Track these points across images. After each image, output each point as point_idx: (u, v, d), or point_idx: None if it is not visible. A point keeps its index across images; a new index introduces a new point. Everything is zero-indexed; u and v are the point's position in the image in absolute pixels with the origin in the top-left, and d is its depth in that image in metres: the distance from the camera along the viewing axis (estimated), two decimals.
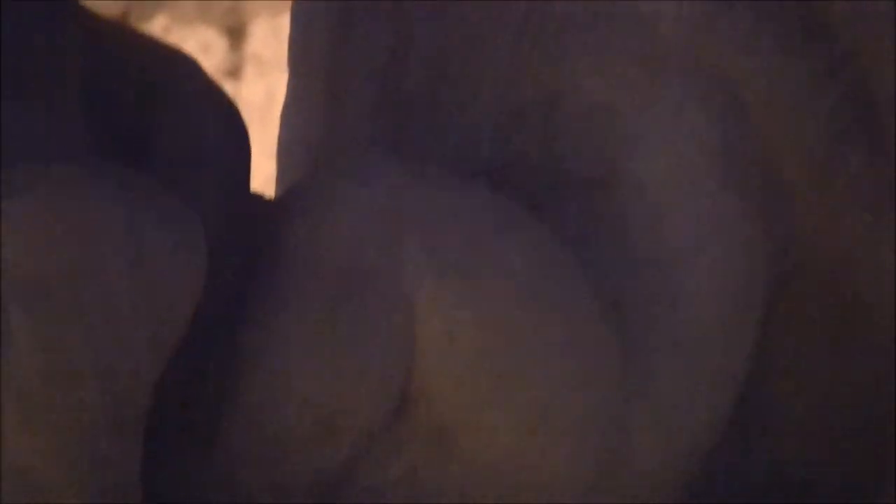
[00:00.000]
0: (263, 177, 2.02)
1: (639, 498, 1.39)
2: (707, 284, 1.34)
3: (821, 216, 1.33)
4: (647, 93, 1.29)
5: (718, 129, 1.26)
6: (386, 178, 1.27)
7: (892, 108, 1.19)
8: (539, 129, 1.46)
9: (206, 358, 1.51)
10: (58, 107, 1.62)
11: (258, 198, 1.75)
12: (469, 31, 1.48)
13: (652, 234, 1.34)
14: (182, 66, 1.88)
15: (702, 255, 1.32)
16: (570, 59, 1.33)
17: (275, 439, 1.27)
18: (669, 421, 1.31)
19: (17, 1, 1.50)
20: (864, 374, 1.47)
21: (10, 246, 1.19)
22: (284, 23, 2.11)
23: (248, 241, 1.55)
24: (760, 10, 1.29)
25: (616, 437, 1.25)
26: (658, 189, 1.31)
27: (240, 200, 1.73)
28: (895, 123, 1.17)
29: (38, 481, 1.20)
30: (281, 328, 1.27)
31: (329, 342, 1.26)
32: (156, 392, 1.45)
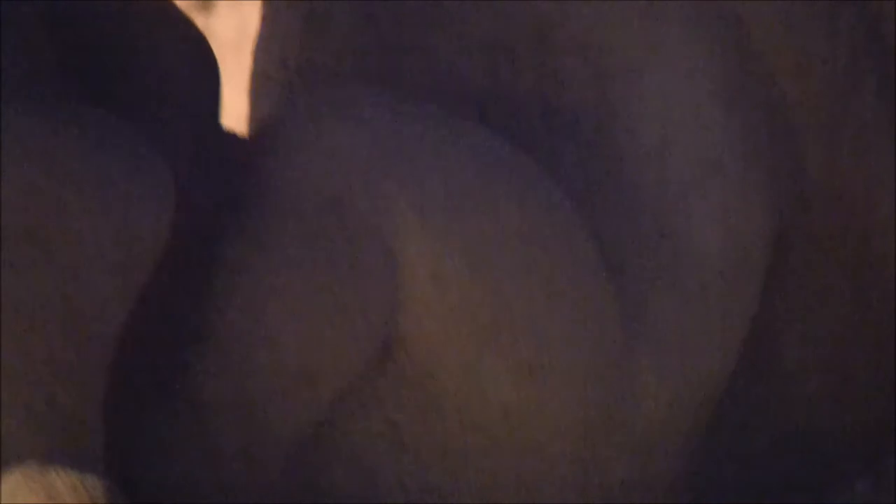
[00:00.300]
0: (236, 114, 1.96)
1: (646, 444, 1.33)
2: (710, 227, 1.25)
3: (829, 160, 1.29)
4: (645, 30, 1.18)
5: (721, 69, 1.21)
6: (370, 115, 1.20)
7: None
8: (529, 63, 1.38)
9: (176, 302, 1.42)
10: (28, 45, 1.50)
11: (231, 135, 1.65)
12: None
13: (651, 175, 1.23)
14: (151, 1, 1.77)
15: (704, 196, 1.23)
16: None
17: (249, 390, 1.18)
18: (674, 363, 1.22)
19: None
20: (874, 321, 1.42)
21: None
22: None
23: (220, 178, 1.46)
24: None
25: (618, 383, 1.14)
26: (657, 127, 1.19)
27: (211, 137, 1.62)
28: None
29: None
30: (256, 268, 1.15)
31: (308, 284, 1.14)
32: (121, 340, 1.36)
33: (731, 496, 1.84)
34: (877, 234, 1.55)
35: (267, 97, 1.80)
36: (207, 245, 1.62)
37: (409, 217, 1.26)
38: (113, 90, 1.72)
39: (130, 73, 1.76)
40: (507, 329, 1.22)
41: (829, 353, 1.75)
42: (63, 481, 1.61)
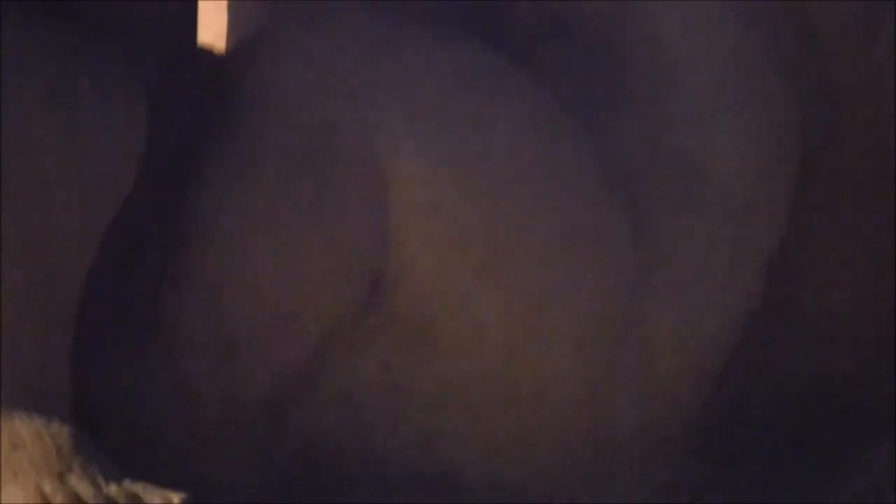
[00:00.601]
0: (213, 32, 1.83)
1: (656, 390, 1.23)
2: (733, 151, 1.15)
3: (859, 79, 1.17)
4: None
5: None
6: (357, 30, 1.04)
7: None
8: None
9: (149, 237, 1.32)
10: None
11: (208, 52, 1.50)
12: None
13: (669, 93, 1.15)
14: None
15: (727, 116, 1.13)
16: None
17: (228, 330, 1.09)
18: (689, 304, 1.14)
19: None
20: None
21: None
22: None
23: (198, 99, 1.33)
24: None
25: (627, 321, 1.04)
26: (675, 41, 1.07)
27: (188, 55, 1.48)
28: None
29: None
30: (236, 195, 1.09)
31: (291, 214, 1.04)
32: (88, 279, 1.25)
33: (745, 447, 1.75)
34: None
35: (245, 11, 1.67)
36: (183, 173, 1.50)
37: (403, 141, 1.16)
38: (87, 9, 1.60)
39: None
40: (508, 260, 1.12)
41: (853, 296, 1.65)
42: (27, 428, 1.50)
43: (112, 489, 1.47)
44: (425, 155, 1.15)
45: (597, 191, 1.19)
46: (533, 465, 1.34)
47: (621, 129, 1.24)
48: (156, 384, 1.28)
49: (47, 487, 1.39)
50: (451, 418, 1.42)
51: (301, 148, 1.18)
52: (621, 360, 1.15)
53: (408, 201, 1.22)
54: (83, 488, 1.41)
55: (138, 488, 1.47)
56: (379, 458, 1.30)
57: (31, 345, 1.41)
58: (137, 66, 1.63)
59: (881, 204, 1.60)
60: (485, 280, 1.18)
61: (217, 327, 1.22)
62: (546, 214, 1.12)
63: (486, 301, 1.19)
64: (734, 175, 1.29)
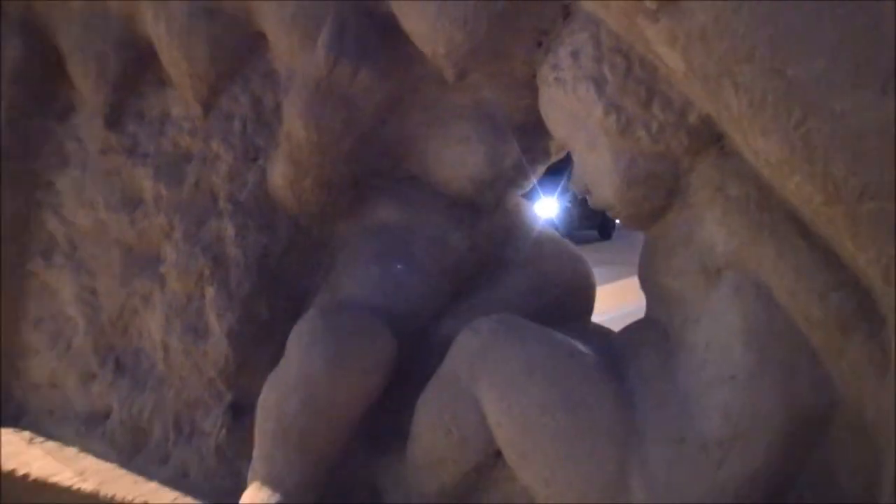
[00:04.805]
0: None
1: None
2: (717, 415, 1.50)
3: (842, 372, 1.48)
4: (703, 289, 1.59)
5: (744, 313, 1.51)
6: (480, 333, 1.75)
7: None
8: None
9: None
10: None
11: None
12: None
13: (690, 375, 1.56)
14: None
15: (715, 394, 1.51)
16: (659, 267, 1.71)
17: (414, 461, 1.85)
18: (664, 490, 1.51)
19: None
20: None
21: None
22: None
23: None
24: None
25: (614, 496, 1.54)
26: (702, 350, 1.55)
27: None
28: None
29: None
30: (420, 406, 1.85)
31: (441, 412, 1.79)
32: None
33: None
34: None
35: None
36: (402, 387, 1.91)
37: (488, 396, 1.68)
38: None
39: None
40: (535, 454, 1.62)
41: None
42: None
43: None
44: (497, 402, 1.70)
45: (605, 421, 1.58)
46: None
47: (661, 393, 1.60)
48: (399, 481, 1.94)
49: None
50: None
51: (449, 388, 1.81)
52: None
53: (490, 421, 1.69)
54: None
55: None
56: None
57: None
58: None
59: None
60: (524, 461, 1.66)
61: (412, 462, 1.87)
62: (563, 433, 1.60)
63: (527, 471, 1.66)
64: (716, 427, 1.53)
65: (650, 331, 1.71)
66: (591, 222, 12.71)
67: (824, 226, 1.41)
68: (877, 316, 1.41)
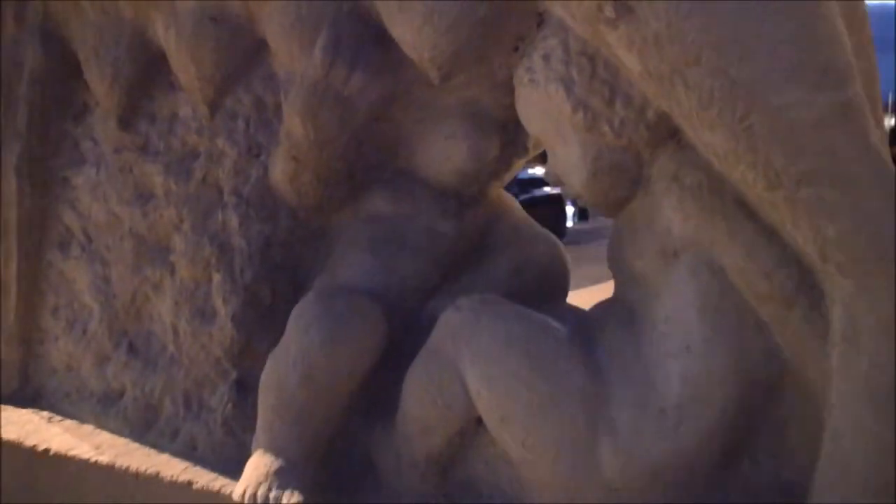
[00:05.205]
0: None
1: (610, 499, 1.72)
2: (675, 382, 1.67)
3: (787, 341, 1.65)
4: (663, 269, 1.74)
5: (699, 290, 1.68)
6: (462, 311, 1.93)
7: None
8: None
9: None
10: None
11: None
12: None
13: (652, 347, 1.73)
14: None
15: (673, 363, 1.68)
16: (625, 250, 1.86)
17: (404, 429, 2.02)
18: (629, 449, 1.68)
19: None
20: None
21: None
22: None
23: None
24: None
25: (584, 455, 1.72)
26: (662, 324, 1.72)
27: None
28: None
29: None
30: (409, 378, 2.02)
31: (427, 384, 1.96)
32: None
33: None
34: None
35: None
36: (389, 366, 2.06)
37: (471, 369, 1.84)
38: None
39: None
40: (514, 417, 1.79)
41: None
42: None
43: None
44: (479, 378, 1.86)
45: (576, 384, 1.75)
46: None
47: (623, 361, 1.77)
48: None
49: None
50: None
51: (436, 359, 1.96)
52: (582, 470, 1.73)
53: (471, 391, 1.85)
54: None
55: None
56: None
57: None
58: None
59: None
60: (502, 425, 1.84)
61: (401, 429, 2.02)
62: (537, 399, 1.76)
63: (506, 436, 1.84)
64: (676, 392, 1.69)
65: (617, 308, 1.87)
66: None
67: (768, 210, 1.57)
68: (817, 290, 1.57)
